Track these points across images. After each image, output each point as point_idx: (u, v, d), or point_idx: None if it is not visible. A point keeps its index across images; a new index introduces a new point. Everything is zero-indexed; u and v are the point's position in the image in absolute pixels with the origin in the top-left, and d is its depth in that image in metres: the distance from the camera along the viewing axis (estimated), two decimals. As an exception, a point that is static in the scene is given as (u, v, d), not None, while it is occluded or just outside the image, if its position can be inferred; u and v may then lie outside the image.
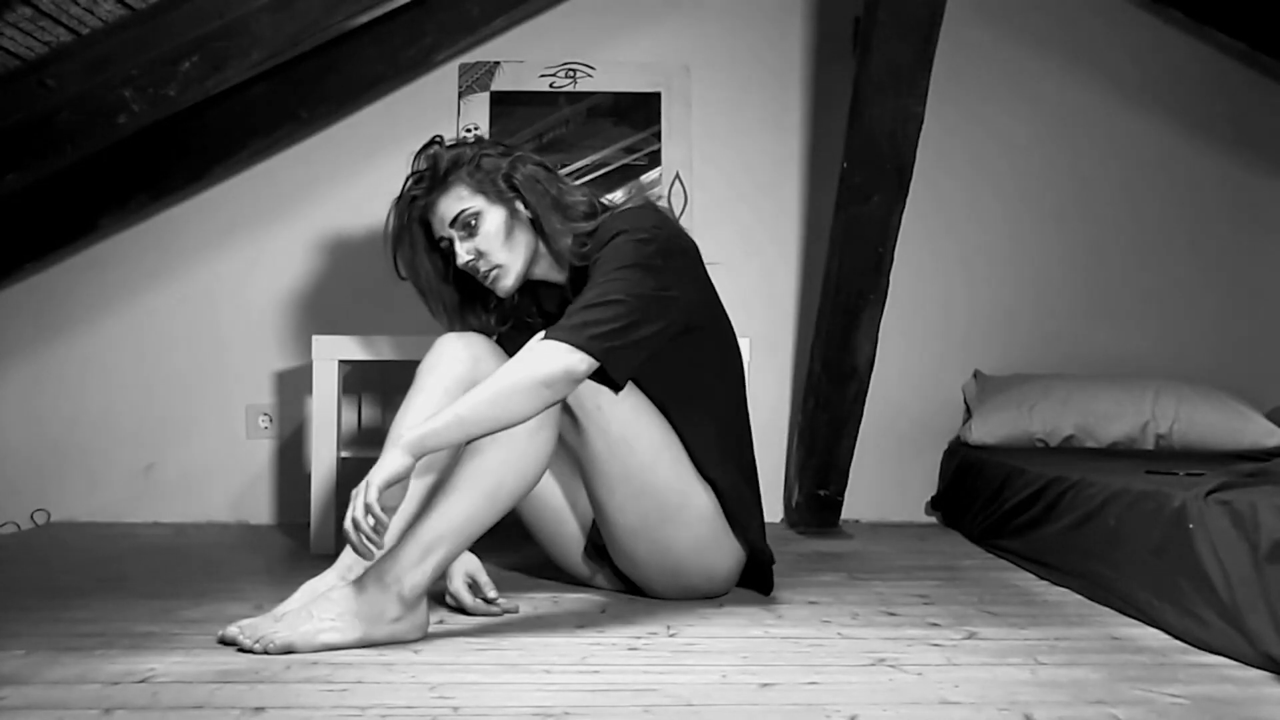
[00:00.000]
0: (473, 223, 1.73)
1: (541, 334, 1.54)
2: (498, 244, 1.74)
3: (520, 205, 1.76)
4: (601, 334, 1.53)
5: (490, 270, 1.75)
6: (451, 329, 1.83)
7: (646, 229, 1.66)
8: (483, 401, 1.49)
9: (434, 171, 1.74)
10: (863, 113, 2.26)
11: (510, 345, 1.80)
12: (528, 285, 1.85)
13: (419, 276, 1.81)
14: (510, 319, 1.89)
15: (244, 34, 2.22)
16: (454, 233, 1.74)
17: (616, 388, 1.61)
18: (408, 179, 1.78)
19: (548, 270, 1.81)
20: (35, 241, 2.64)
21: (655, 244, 1.64)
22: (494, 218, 1.74)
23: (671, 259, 1.66)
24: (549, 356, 1.51)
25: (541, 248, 1.79)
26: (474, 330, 1.82)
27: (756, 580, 1.86)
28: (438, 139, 1.80)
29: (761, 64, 2.88)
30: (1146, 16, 2.96)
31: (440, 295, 1.83)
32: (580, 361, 1.51)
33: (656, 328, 1.61)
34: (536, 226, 1.76)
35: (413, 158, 1.79)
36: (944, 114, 2.71)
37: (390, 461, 1.46)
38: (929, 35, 2.15)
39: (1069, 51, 2.93)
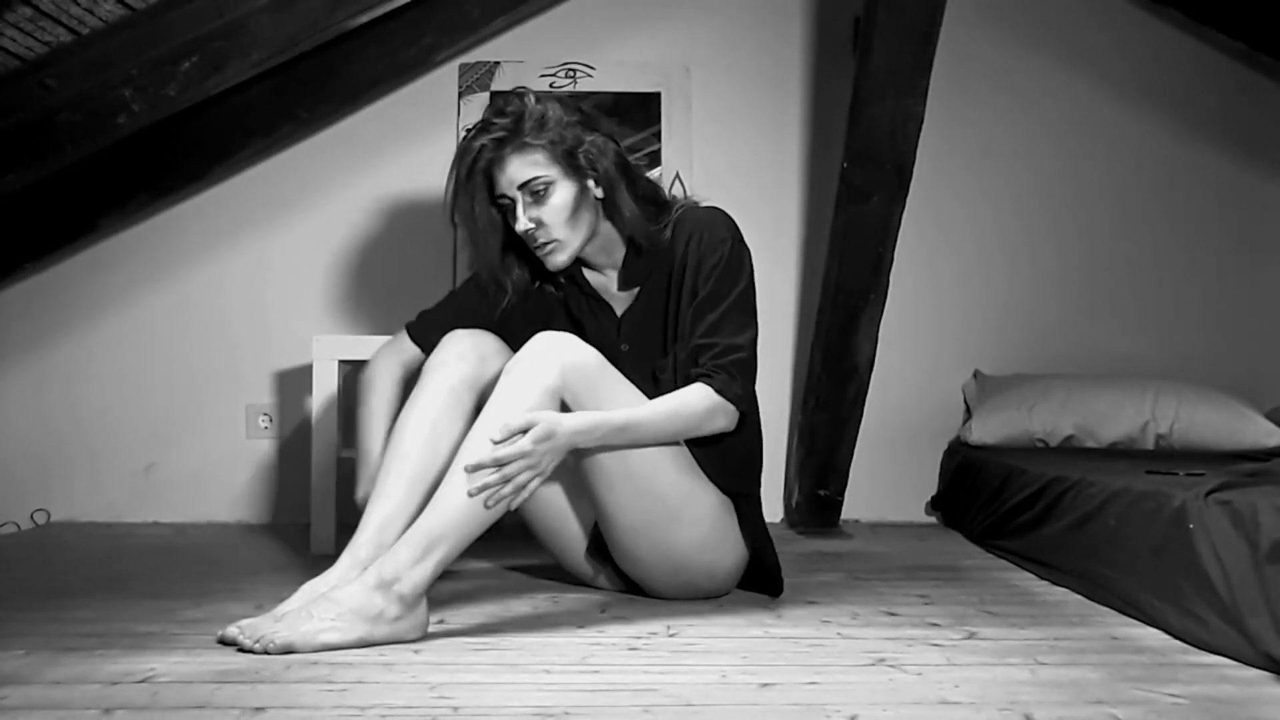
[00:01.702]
0: (542, 191, 1.69)
1: (707, 385, 1.66)
2: (561, 219, 1.71)
3: (592, 183, 1.73)
4: (751, 393, 1.72)
5: (548, 243, 1.72)
6: (486, 275, 1.82)
7: (741, 238, 1.77)
8: (652, 436, 1.63)
9: (516, 126, 1.69)
10: (863, 113, 2.26)
11: (516, 329, 1.80)
12: None
13: (474, 226, 1.75)
14: (539, 280, 1.87)
15: (244, 34, 2.22)
16: (519, 195, 1.70)
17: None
18: (479, 124, 1.72)
19: (596, 253, 1.81)
20: (35, 241, 2.64)
21: (749, 257, 1.77)
22: (564, 192, 1.71)
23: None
24: (718, 414, 1.67)
25: (602, 229, 1.78)
26: (507, 279, 1.82)
27: (765, 583, 1.86)
28: (522, 90, 1.74)
29: (762, 64, 2.88)
30: (1146, 16, 2.96)
31: (487, 248, 1.78)
32: (735, 419, 1.70)
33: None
34: (606, 206, 1.75)
35: (490, 100, 1.74)
36: (944, 114, 2.70)
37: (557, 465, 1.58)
38: (929, 35, 2.15)
39: (1068, 52, 2.93)
